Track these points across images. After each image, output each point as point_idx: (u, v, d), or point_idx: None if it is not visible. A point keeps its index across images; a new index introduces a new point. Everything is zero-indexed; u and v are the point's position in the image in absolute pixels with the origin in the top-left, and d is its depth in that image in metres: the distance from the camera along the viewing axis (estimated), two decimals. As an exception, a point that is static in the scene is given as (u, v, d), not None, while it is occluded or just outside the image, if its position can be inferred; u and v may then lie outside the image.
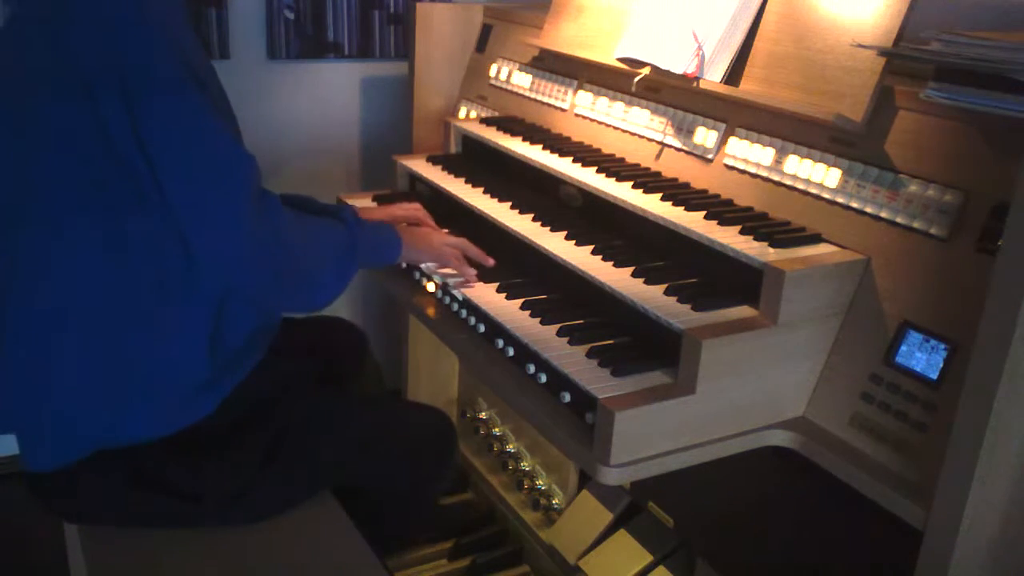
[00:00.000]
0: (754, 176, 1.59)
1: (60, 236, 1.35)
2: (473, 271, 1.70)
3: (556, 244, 1.64)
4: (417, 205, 1.91)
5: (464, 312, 1.66)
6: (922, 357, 1.26)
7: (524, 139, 2.01)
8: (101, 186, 1.33)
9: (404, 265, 1.87)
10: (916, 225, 1.31)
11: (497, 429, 2.45)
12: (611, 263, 1.56)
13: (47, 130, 1.32)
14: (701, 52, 1.63)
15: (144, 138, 1.29)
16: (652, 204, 1.60)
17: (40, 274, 1.37)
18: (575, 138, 2.01)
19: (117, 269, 1.37)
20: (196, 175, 1.33)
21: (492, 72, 2.36)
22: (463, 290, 1.66)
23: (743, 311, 1.38)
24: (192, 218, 1.35)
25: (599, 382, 1.33)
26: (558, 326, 1.50)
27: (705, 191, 1.65)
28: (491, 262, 1.73)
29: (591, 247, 1.62)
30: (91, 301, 1.37)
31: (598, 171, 1.77)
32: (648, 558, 1.95)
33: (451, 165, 2.11)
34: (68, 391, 1.40)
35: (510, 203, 1.83)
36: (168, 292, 1.40)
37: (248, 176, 1.38)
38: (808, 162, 1.49)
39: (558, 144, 1.93)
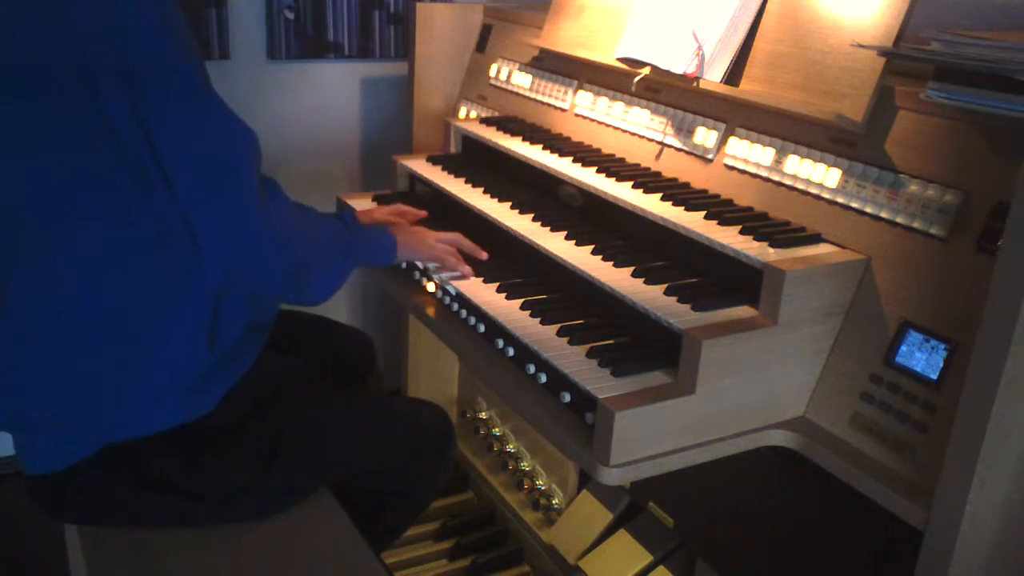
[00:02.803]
0: (754, 176, 1.59)
1: (60, 232, 1.34)
2: (469, 268, 1.72)
3: (556, 244, 1.64)
4: (397, 207, 1.92)
5: (464, 312, 1.66)
6: (922, 357, 1.26)
7: (524, 139, 2.01)
8: (102, 175, 1.32)
9: (404, 265, 1.88)
10: (916, 225, 1.31)
11: (497, 429, 2.45)
12: (611, 263, 1.56)
13: (42, 120, 1.31)
14: (701, 52, 1.63)
15: (146, 119, 1.28)
16: (652, 204, 1.60)
17: (39, 271, 1.36)
18: (575, 138, 2.01)
19: (119, 261, 1.36)
20: (199, 149, 1.33)
21: (492, 72, 2.36)
22: (460, 286, 1.67)
23: (743, 311, 1.38)
24: (196, 195, 1.33)
25: (599, 382, 1.33)
26: (558, 326, 1.50)
27: (705, 191, 1.65)
28: (484, 255, 1.76)
29: (591, 247, 1.62)
30: (91, 296, 1.37)
31: (598, 171, 1.77)
32: (648, 558, 1.95)
33: (451, 165, 2.11)
34: (68, 387, 1.40)
35: (510, 203, 1.83)
36: (170, 282, 1.40)
37: (251, 147, 1.38)
38: (808, 162, 1.49)
39: (558, 144, 1.93)
